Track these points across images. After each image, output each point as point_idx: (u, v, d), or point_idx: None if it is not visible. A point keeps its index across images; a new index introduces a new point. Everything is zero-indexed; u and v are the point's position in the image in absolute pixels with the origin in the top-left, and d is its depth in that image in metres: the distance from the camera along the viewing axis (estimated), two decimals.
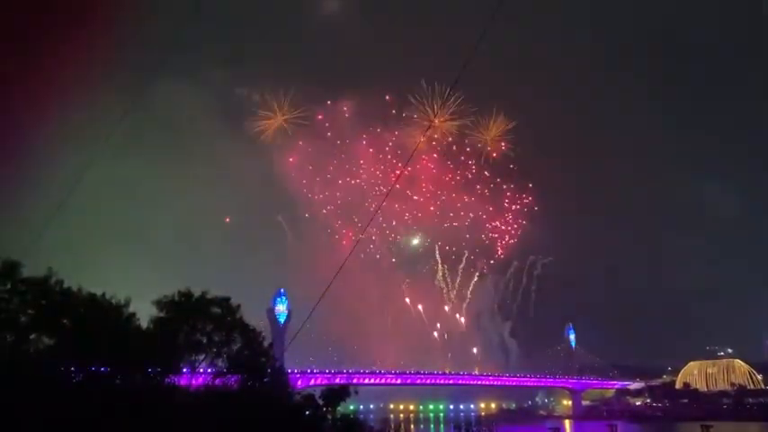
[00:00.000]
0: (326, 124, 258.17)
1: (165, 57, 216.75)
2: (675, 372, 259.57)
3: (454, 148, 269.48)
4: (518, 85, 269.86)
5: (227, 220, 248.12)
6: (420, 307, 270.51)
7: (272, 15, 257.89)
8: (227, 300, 45.47)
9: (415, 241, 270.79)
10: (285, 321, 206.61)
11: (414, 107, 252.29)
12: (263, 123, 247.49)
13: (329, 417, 47.12)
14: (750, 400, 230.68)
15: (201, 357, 43.88)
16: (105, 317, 39.86)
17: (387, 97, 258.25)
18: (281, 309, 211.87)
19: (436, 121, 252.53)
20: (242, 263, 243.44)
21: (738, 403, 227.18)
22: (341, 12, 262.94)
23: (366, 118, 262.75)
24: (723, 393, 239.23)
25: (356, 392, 50.31)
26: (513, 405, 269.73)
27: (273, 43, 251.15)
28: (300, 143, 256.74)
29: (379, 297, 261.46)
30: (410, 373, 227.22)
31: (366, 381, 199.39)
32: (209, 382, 44.24)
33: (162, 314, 43.21)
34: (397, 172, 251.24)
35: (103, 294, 41.52)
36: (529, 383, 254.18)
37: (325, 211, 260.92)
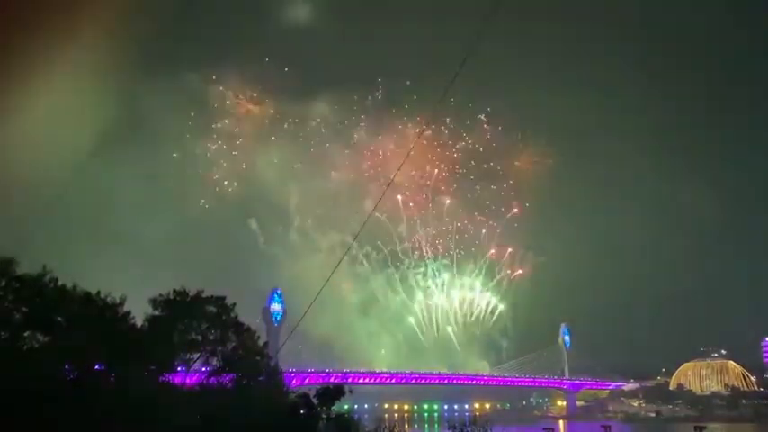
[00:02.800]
0: (304, 125, 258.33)
1: (152, 58, 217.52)
2: (669, 373, 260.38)
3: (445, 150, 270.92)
4: (514, 83, 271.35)
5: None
6: (414, 305, 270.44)
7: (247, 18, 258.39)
8: (222, 298, 45.42)
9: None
10: (280, 320, 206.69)
11: (397, 111, 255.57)
12: (240, 120, 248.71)
13: (324, 416, 47.08)
14: (743, 401, 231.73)
15: (196, 356, 43.79)
16: (100, 315, 39.77)
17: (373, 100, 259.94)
18: (277, 308, 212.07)
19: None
20: (238, 262, 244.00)
21: (732, 404, 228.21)
22: (317, 18, 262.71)
23: (344, 120, 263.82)
24: (717, 395, 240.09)
25: (351, 392, 50.28)
26: (508, 405, 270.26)
27: (251, 46, 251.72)
28: (276, 144, 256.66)
29: (371, 296, 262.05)
30: (405, 372, 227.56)
31: (361, 380, 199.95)
32: (204, 381, 44.18)
33: (157, 312, 43.14)
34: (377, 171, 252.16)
35: (98, 292, 41.41)
36: (523, 384, 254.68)
37: (303, 214, 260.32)
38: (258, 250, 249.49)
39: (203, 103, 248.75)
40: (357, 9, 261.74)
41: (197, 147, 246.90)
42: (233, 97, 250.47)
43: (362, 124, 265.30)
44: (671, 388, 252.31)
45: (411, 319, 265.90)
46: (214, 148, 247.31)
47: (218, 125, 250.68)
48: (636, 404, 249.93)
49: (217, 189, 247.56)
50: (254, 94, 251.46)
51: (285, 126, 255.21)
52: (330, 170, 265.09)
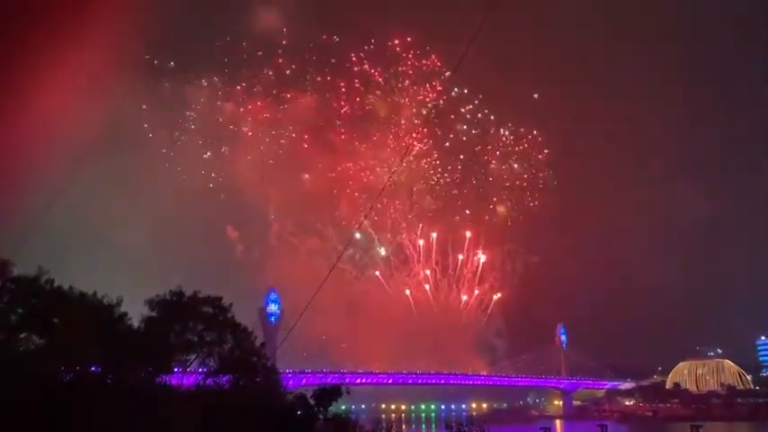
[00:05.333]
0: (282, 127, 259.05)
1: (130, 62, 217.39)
2: (666, 372, 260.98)
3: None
4: (508, 84, 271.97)
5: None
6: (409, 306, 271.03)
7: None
8: (218, 299, 45.36)
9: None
10: (277, 321, 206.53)
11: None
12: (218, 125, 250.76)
13: (321, 416, 47.06)
14: (739, 400, 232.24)
15: (193, 357, 43.72)
16: (96, 316, 39.70)
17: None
18: (273, 309, 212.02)
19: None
20: (235, 263, 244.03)
21: (728, 403, 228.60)
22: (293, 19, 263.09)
23: (321, 124, 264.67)
24: (713, 394, 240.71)
25: (348, 392, 50.24)
26: (505, 405, 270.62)
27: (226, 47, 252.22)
28: (256, 148, 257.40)
29: (365, 298, 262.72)
30: (402, 372, 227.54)
31: (358, 380, 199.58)
32: (201, 382, 44.11)
33: (153, 313, 43.06)
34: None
35: (95, 294, 41.36)
36: (520, 383, 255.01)
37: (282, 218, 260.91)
38: (244, 253, 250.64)
39: (182, 107, 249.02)
40: (337, 13, 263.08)
41: (177, 151, 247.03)
42: (210, 101, 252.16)
43: (341, 129, 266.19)
44: (667, 387, 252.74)
45: (410, 319, 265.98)
46: (193, 152, 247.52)
47: (196, 128, 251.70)
48: (632, 403, 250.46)
49: (196, 191, 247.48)
50: (240, 97, 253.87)
51: (262, 128, 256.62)
52: (307, 173, 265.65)
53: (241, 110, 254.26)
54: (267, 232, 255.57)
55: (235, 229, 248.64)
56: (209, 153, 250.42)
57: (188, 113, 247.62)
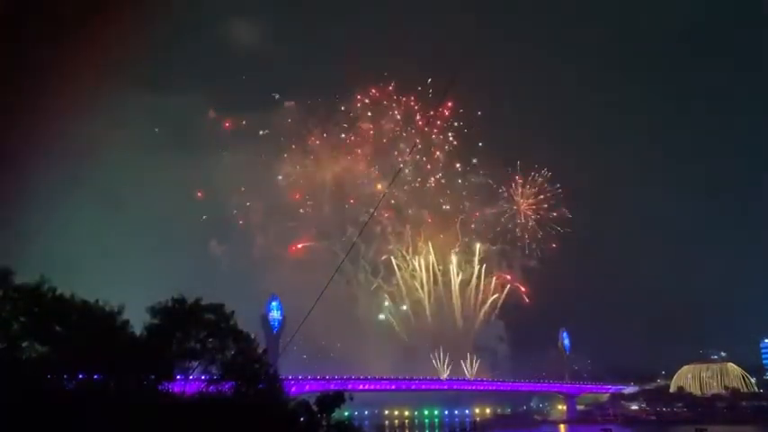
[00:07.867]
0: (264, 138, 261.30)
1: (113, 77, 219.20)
2: (669, 376, 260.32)
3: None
4: (503, 93, 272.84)
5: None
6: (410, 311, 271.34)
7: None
8: (220, 306, 45.28)
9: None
10: (279, 328, 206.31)
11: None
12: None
13: (324, 423, 46.92)
14: (744, 403, 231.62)
15: (195, 364, 43.61)
16: (99, 324, 39.64)
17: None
18: (275, 315, 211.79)
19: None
20: (234, 269, 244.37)
21: (732, 407, 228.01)
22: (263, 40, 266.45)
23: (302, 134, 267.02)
24: (717, 397, 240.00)
25: (351, 398, 50.12)
26: (509, 410, 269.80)
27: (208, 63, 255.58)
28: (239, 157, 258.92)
29: (366, 304, 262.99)
30: (405, 378, 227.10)
31: (361, 386, 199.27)
32: (203, 389, 44.01)
33: (155, 321, 42.99)
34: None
35: (97, 301, 41.31)
36: (524, 388, 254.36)
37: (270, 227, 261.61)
38: (233, 263, 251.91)
39: (168, 121, 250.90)
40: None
41: (170, 164, 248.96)
42: (194, 113, 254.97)
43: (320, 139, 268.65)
44: (671, 390, 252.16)
45: (411, 323, 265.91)
46: (180, 164, 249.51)
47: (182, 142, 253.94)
48: (636, 407, 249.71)
49: (188, 202, 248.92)
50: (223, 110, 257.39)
51: (244, 139, 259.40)
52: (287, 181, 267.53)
53: (223, 122, 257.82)
54: (253, 242, 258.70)
55: (223, 240, 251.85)
56: (199, 164, 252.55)
57: (173, 126, 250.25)
